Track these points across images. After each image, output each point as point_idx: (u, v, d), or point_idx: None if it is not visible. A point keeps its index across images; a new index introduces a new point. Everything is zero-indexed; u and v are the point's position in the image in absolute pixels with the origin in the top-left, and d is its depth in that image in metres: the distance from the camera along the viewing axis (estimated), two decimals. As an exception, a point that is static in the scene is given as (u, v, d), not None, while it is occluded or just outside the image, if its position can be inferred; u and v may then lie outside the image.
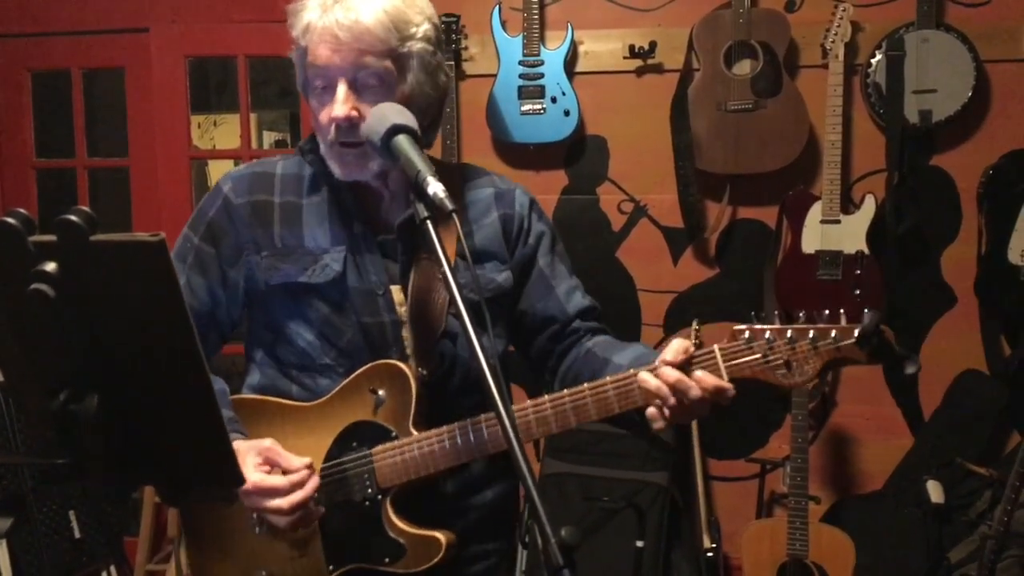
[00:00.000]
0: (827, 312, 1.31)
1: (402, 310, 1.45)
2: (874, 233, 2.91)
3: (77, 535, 3.02)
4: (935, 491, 2.82)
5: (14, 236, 0.84)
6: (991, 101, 2.99)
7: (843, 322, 1.29)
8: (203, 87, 4.88)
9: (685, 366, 1.29)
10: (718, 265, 3.21)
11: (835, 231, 2.91)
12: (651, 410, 1.30)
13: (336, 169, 1.41)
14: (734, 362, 1.30)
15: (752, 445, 3.22)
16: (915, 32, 2.90)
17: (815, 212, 2.93)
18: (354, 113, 1.35)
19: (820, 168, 2.99)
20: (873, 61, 2.96)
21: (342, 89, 1.35)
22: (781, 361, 1.29)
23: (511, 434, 1.04)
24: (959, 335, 3.07)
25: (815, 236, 2.93)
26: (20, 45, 3.57)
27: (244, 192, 1.48)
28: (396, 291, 1.45)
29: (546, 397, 1.36)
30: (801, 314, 1.30)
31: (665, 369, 1.28)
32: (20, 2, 3.51)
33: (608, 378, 1.33)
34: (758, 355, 1.29)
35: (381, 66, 1.35)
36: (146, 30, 3.45)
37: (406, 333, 1.45)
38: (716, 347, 1.31)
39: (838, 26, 2.88)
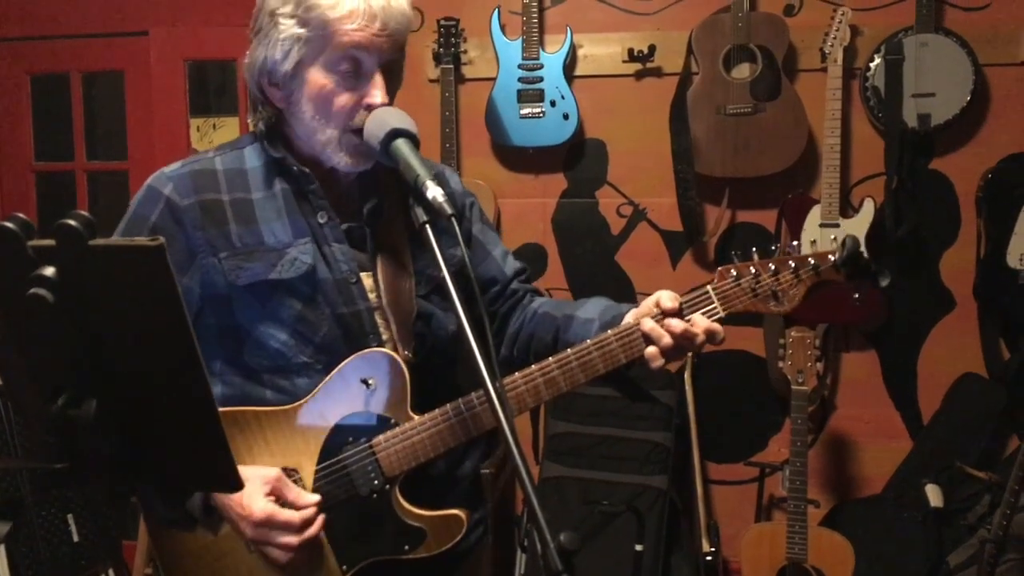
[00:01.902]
0: (796, 243, 1.46)
1: (373, 296, 1.43)
2: (873, 237, 2.91)
3: (75, 539, 3.01)
4: (934, 495, 2.82)
5: (13, 240, 0.84)
6: (990, 105, 3.00)
7: (816, 250, 1.43)
8: (202, 90, 4.88)
9: (680, 311, 1.37)
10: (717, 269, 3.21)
11: (834, 234, 2.91)
12: (651, 349, 1.35)
13: (344, 160, 1.37)
14: (727, 299, 1.40)
15: (751, 449, 3.22)
16: (914, 36, 2.91)
17: (814, 215, 2.94)
18: (387, 99, 1.35)
19: (819, 172, 2.99)
20: (872, 65, 2.96)
21: (379, 76, 1.34)
22: (769, 292, 1.40)
23: (506, 426, 1.06)
24: (958, 339, 3.07)
25: (814, 239, 2.93)
26: (20, 48, 3.58)
27: (189, 192, 1.39)
28: (365, 278, 1.43)
29: (551, 359, 1.37)
30: (775, 247, 1.42)
31: (670, 320, 1.35)
32: (20, 5, 3.52)
33: (610, 332, 1.37)
34: (747, 290, 1.40)
35: (403, 55, 1.39)
36: (145, 33, 3.46)
37: (380, 319, 1.43)
38: (709, 287, 1.41)
39: (837, 30, 2.88)
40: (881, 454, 3.13)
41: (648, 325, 1.35)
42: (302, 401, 1.40)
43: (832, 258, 1.38)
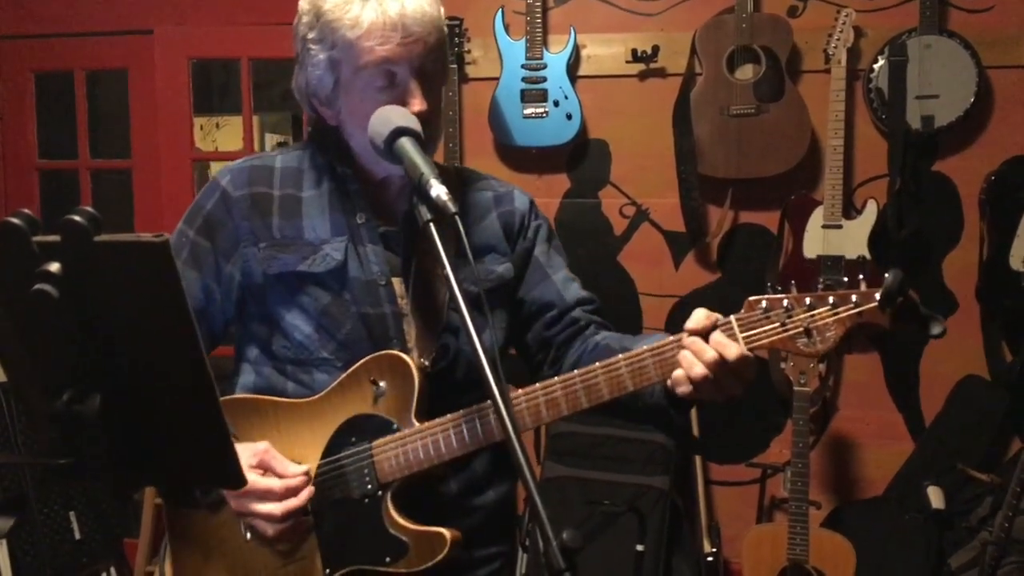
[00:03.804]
0: (846, 279, 1.28)
1: (403, 302, 1.43)
2: (876, 238, 2.91)
3: (77, 536, 3.02)
4: (936, 497, 2.82)
5: (18, 236, 0.84)
6: (993, 107, 2.99)
7: (863, 287, 1.25)
8: (206, 89, 4.89)
9: (710, 329, 1.26)
10: (720, 269, 3.21)
11: (837, 236, 2.91)
12: (677, 373, 1.26)
13: (385, 168, 1.37)
14: (752, 332, 1.27)
15: (753, 450, 3.22)
16: (917, 37, 2.91)
17: (817, 217, 2.93)
18: (427, 106, 1.35)
19: (822, 173, 2.99)
20: (875, 66, 2.96)
21: (415, 84, 1.34)
22: (801, 329, 1.25)
23: (508, 425, 1.05)
24: (961, 341, 3.07)
25: (817, 241, 2.93)
26: (24, 46, 3.58)
27: (243, 184, 1.45)
28: (397, 283, 1.43)
29: (556, 378, 1.32)
30: (820, 282, 1.27)
31: (689, 339, 1.26)
32: (24, 3, 3.53)
33: (620, 356, 1.30)
34: (776, 324, 1.26)
35: (442, 50, 1.38)
36: (150, 32, 3.46)
37: (407, 326, 1.43)
38: (732, 318, 1.28)
39: (841, 31, 2.88)
40: (883, 456, 3.13)
41: (670, 343, 1.28)
42: (316, 396, 1.41)
43: (878, 296, 1.22)
